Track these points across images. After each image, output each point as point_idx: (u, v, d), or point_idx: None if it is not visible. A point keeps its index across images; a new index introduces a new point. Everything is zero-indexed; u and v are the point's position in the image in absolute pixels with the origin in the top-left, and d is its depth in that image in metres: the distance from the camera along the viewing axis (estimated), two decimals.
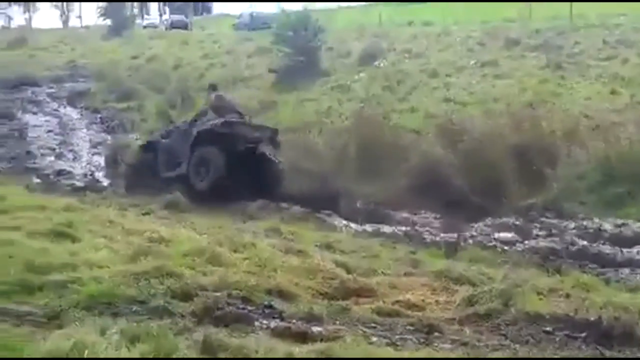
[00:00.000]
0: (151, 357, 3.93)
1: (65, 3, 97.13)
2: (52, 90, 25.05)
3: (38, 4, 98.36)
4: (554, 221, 10.23)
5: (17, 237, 6.76)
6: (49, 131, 19.59)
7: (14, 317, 4.65)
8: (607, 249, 8.93)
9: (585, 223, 10.09)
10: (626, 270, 8.14)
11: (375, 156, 13.32)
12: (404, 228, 10.35)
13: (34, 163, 16.12)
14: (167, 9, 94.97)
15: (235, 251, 6.94)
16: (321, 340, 4.59)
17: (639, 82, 16.48)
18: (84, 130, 19.59)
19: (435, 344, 4.79)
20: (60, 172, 15.23)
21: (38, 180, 14.08)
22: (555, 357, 4.70)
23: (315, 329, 4.84)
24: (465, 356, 4.58)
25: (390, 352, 4.52)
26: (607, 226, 9.83)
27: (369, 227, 10.47)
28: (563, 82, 17.53)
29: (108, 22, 43.44)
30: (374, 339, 4.79)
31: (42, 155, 17.06)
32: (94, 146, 18.08)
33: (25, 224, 7.48)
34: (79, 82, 25.91)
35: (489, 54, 21.78)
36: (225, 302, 5.16)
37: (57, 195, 11.48)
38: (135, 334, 4.23)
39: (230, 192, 12.04)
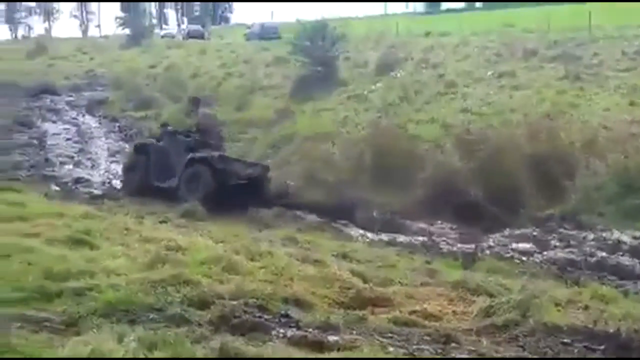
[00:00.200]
0: None
1: (84, 13, 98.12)
2: (71, 98, 25.26)
3: (57, 13, 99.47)
4: (572, 232, 10.16)
5: (36, 244, 6.81)
6: (68, 139, 19.69)
7: (32, 324, 4.67)
8: (626, 260, 8.87)
9: (603, 234, 10.03)
10: None
11: (391, 166, 13.31)
12: (420, 238, 10.33)
13: (53, 171, 16.18)
14: (185, 19, 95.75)
15: (251, 260, 6.94)
16: (338, 349, 4.59)
17: None
18: (102, 139, 19.68)
19: (453, 355, 4.76)
20: (78, 180, 15.26)
21: (56, 188, 14.12)
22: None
23: (332, 338, 4.82)
24: None
25: None
26: (626, 238, 9.76)
27: (385, 237, 10.45)
28: (581, 93, 17.43)
29: (127, 31, 43.88)
30: (391, 349, 4.77)
31: (61, 163, 17.13)
32: (112, 154, 18.15)
33: (44, 231, 7.53)
34: (97, 91, 26.13)
35: (506, 65, 21.73)
36: (242, 310, 5.16)
37: (75, 202, 11.53)
38: (153, 342, 4.24)
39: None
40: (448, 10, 52.06)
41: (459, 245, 9.90)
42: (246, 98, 22.15)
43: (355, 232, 10.94)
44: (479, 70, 21.80)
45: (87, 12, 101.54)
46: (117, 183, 15.02)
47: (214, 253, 6.91)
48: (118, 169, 15.56)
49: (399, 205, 11.97)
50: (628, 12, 26.73)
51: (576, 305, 6.22)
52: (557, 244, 9.75)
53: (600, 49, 22.24)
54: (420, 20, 44.49)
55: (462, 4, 50.32)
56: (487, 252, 9.41)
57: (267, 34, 43.29)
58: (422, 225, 11.05)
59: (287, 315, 5.29)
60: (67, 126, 21.29)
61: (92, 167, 17.06)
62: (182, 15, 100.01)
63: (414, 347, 4.88)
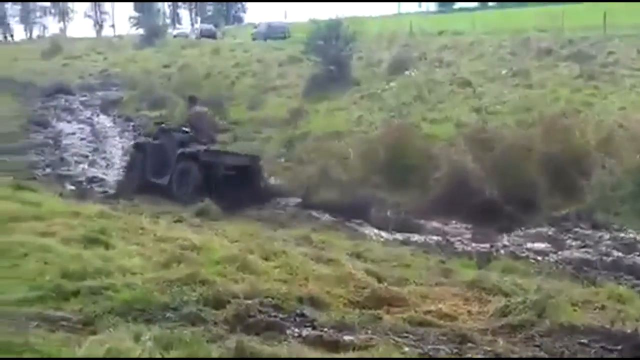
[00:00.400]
0: None
1: (98, 13, 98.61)
2: (86, 98, 25.42)
3: (72, 13, 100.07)
4: (588, 232, 10.09)
5: (52, 243, 6.84)
6: (83, 139, 19.82)
7: (49, 323, 4.70)
8: None
9: (619, 234, 9.95)
10: None
11: (405, 165, 13.30)
12: (435, 237, 10.29)
13: (68, 170, 16.29)
14: (198, 19, 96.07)
15: (266, 259, 6.94)
16: (353, 349, 4.58)
17: None
18: (117, 138, 19.79)
19: (469, 355, 4.75)
20: (93, 180, 15.38)
21: (72, 187, 14.22)
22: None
23: (347, 337, 4.82)
24: None
25: None
26: None
27: (399, 236, 10.41)
28: (596, 92, 17.35)
29: (141, 31, 44.07)
30: (406, 348, 4.76)
31: (76, 162, 17.25)
32: (126, 154, 18.23)
33: (60, 230, 7.56)
34: (111, 91, 26.26)
35: (520, 64, 21.66)
36: (257, 310, 5.16)
37: (90, 202, 11.58)
38: (169, 341, 4.26)
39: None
40: (461, 9, 51.93)
41: (473, 244, 9.85)
42: (260, 97, 22.19)
43: (370, 231, 10.92)
44: (493, 69, 21.75)
45: (101, 12, 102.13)
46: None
47: (229, 252, 6.93)
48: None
49: (413, 205, 11.94)
50: None
51: (593, 305, 6.17)
52: (573, 243, 9.68)
53: (615, 47, 22.14)
54: (434, 20, 44.44)
55: (475, 4, 50.16)
56: (502, 251, 9.36)
57: (273, 33, 43.75)
58: (437, 224, 11.00)
59: (302, 315, 5.29)
60: (81, 126, 21.43)
61: (107, 166, 17.15)
62: (196, 15, 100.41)
63: (430, 347, 4.86)
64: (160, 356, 4.03)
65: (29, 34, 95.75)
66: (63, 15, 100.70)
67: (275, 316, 5.14)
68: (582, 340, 5.09)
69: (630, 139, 12.59)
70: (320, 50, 23.25)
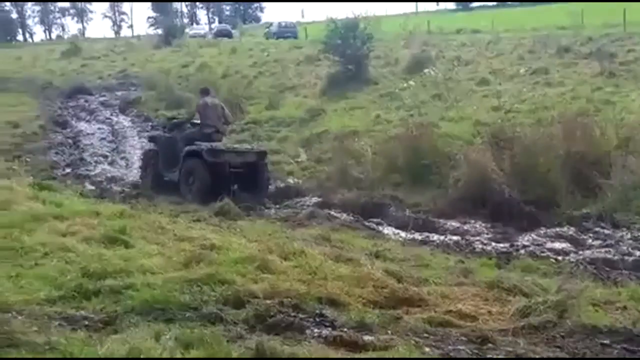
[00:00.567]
0: None
1: (117, 13, 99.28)
2: (105, 98, 25.54)
3: (91, 14, 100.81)
4: (609, 231, 9.98)
5: (73, 243, 6.90)
6: (102, 139, 19.93)
7: (71, 322, 4.74)
8: None
9: None
10: None
11: (424, 164, 13.25)
12: (454, 237, 10.23)
13: (88, 170, 16.41)
14: (215, 18, 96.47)
15: (285, 259, 6.95)
16: (373, 349, 4.58)
17: None
18: (136, 138, 19.86)
19: (489, 356, 4.73)
20: (112, 179, 15.48)
21: (91, 187, 14.32)
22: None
23: (367, 338, 4.82)
24: None
25: None
26: None
27: (418, 236, 10.38)
28: (617, 90, 17.20)
29: (159, 31, 44.28)
30: (427, 349, 4.75)
31: (95, 162, 17.37)
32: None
33: (80, 229, 7.62)
34: (130, 91, 26.36)
35: (540, 62, 21.55)
36: (277, 310, 5.18)
37: (109, 201, 11.66)
38: (189, 340, 4.29)
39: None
40: (480, 7, 51.68)
41: (493, 244, 9.78)
42: (278, 97, 22.21)
43: (389, 230, 10.89)
44: (512, 67, 21.66)
45: (119, 13, 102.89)
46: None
47: (248, 252, 6.95)
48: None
49: (432, 204, 11.90)
50: None
51: (614, 305, 6.13)
52: (594, 243, 9.58)
53: (636, 45, 21.96)
54: (452, 18, 44.30)
55: (493, 2, 49.90)
56: (522, 251, 9.29)
57: (284, 32, 44.55)
58: (456, 224, 10.94)
59: (321, 315, 5.29)
60: (101, 126, 21.54)
61: (126, 166, 17.24)
62: (213, 14, 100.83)
63: (450, 347, 4.85)
64: (180, 355, 4.05)
65: (48, 35, 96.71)
66: (82, 16, 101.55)
67: (294, 316, 5.15)
68: (604, 341, 5.07)
69: None
70: (338, 50, 23.24)
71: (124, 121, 22.26)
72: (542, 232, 10.20)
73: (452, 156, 13.08)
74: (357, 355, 4.46)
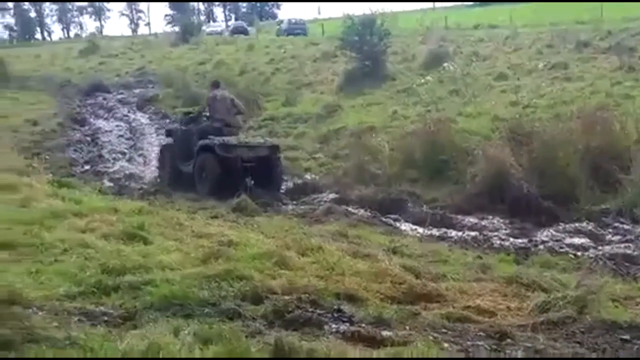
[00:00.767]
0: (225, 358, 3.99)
1: (134, 11, 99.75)
2: (122, 96, 25.66)
3: (108, 12, 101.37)
4: (629, 227, 9.90)
5: (92, 239, 6.95)
6: (120, 136, 20.03)
7: (91, 317, 4.77)
8: None
9: None
10: None
11: (441, 160, 13.22)
12: (472, 233, 10.18)
13: (106, 167, 16.51)
14: (232, 16, 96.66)
15: (302, 255, 6.95)
16: (391, 345, 4.57)
17: None
18: (154, 135, 19.95)
19: (508, 351, 4.71)
20: (130, 176, 15.56)
21: (110, 184, 14.41)
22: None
23: (385, 333, 4.81)
24: None
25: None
26: None
27: (436, 232, 10.33)
28: (636, 85, 17.03)
29: (176, 29, 44.39)
30: (445, 344, 4.74)
31: (114, 159, 17.47)
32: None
33: (99, 226, 7.67)
34: (148, 88, 26.46)
35: (558, 57, 21.40)
36: (295, 305, 5.19)
37: (128, 198, 11.73)
38: (208, 336, 4.31)
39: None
40: (497, 2, 51.34)
41: (511, 240, 9.72)
42: (295, 93, 22.23)
43: (406, 226, 10.86)
44: (530, 62, 21.53)
45: (136, 11, 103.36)
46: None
47: (266, 248, 6.97)
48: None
49: (449, 200, 11.86)
50: None
51: (634, 301, 6.09)
52: (613, 238, 9.50)
53: None
54: (470, 13, 44.06)
55: None
56: (541, 246, 9.24)
57: (294, 30, 45.04)
58: (474, 219, 10.88)
59: (339, 310, 5.30)
60: (118, 123, 21.65)
61: (144, 163, 17.32)
62: (230, 12, 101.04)
63: (469, 343, 4.84)
64: (199, 351, 4.07)
65: (66, 33, 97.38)
66: (99, 15, 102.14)
67: (312, 312, 5.16)
68: (624, 337, 5.03)
69: None
70: (355, 46, 23.20)
71: (142, 118, 22.36)
72: (560, 227, 10.13)
73: (470, 151, 13.04)
74: (375, 351, 4.45)
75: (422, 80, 19.92)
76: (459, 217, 11.09)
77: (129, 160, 17.52)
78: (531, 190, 11.13)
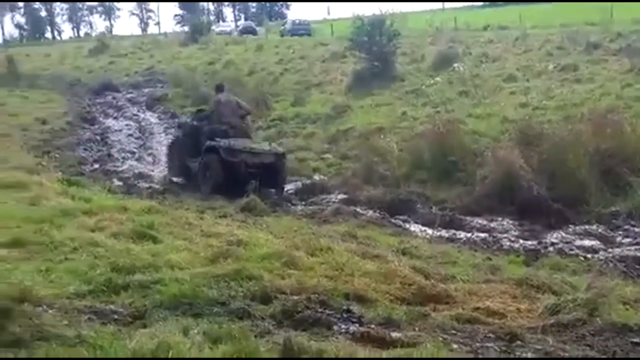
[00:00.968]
0: (234, 358, 3.99)
1: (144, 11, 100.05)
2: (132, 95, 25.75)
3: (118, 12, 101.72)
4: (639, 229, 9.87)
5: (102, 238, 6.96)
6: (129, 135, 20.10)
7: (101, 316, 4.78)
8: None
9: None
10: None
11: (450, 161, 13.20)
12: (481, 234, 10.16)
13: (115, 166, 16.55)
14: (241, 16, 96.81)
15: (312, 255, 6.94)
16: (401, 346, 4.56)
17: None
18: (162, 135, 20.00)
19: (518, 353, 4.69)
20: (139, 175, 15.58)
21: (119, 183, 14.43)
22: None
23: (395, 334, 4.80)
24: None
25: None
26: None
27: (445, 233, 10.32)
28: None
29: (185, 29, 44.47)
30: (454, 346, 4.72)
31: (123, 158, 17.52)
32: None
33: (109, 225, 7.68)
34: (157, 88, 26.54)
35: (568, 58, 21.32)
36: (304, 305, 5.18)
37: (137, 197, 11.75)
38: (217, 335, 4.30)
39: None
40: (507, 3, 51.21)
41: (521, 241, 9.71)
42: (303, 93, 22.23)
43: (415, 228, 10.85)
44: (540, 63, 21.44)
45: (146, 11, 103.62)
46: (177, 179, 15.25)
47: (275, 248, 6.96)
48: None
49: (458, 201, 11.85)
50: None
51: None
52: (624, 241, 9.47)
53: None
54: (479, 14, 43.97)
55: None
56: (551, 249, 9.21)
57: (297, 30, 45.35)
58: (483, 221, 10.86)
59: (348, 311, 5.29)
60: (128, 122, 21.73)
61: (153, 162, 17.35)
62: (239, 11, 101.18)
63: (478, 344, 4.82)
64: (208, 350, 4.07)
65: (76, 33, 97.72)
66: (109, 14, 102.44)
67: (322, 312, 5.15)
68: (635, 340, 5.00)
69: None
70: (364, 46, 23.19)
71: (151, 118, 22.44)
72: (570, 229, 10.10)
73: (479, 153, 13.01)
74: (384, 352, 4.44)
75: (432, 81, 19.90)
76: (468, 218, 11.07)
77: (138, 160, 17.56)
78: (541, 192, 11.09)
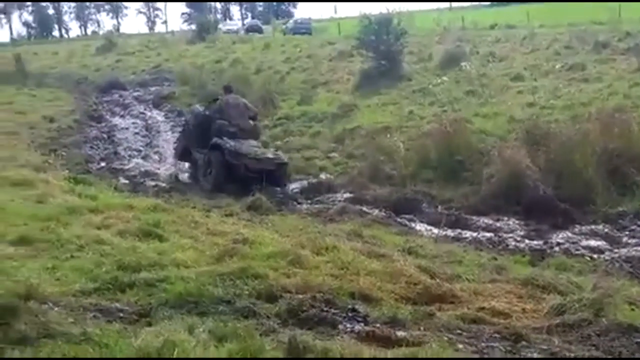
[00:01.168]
0: (239, 357, 4.00)
1: (151, 9, 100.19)
2: (139, 93, 25.76)
3: (126, 10, 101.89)
4: None
5: (108, 236, 6.99)
6: (136, 133, 20.10)
7: (107, 314, 4.80)
8: None
9: None
10: None
11: (457, 161, 13.17)
12: (487, 234, 10.14)
13: (122, 164, 16.55)
14: (248, 14, 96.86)
15: (317, 254, 6.96)
16: (406, 345, 4.56)
17: None
18: (169, 133, 19.99)
19: (523, 353, 4.68)
20: (146, 173, 15.58)
21: (125, 181, 14.44)
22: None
23: (400, 333, 4.80)
24: None
25: None
26: None
27: (451, 233, 10.29)
28: None
29: (192, 27, 44.51)
30: (460, 345, 4.72)
31: (129, 156, 17.53)
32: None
33: (115, 223, 7.71)
34: (164, 86, 26.54)
35: (576, 58, 21.25)
36: (310, 304, 5.19)
37: (143, 195, 11.77)
38: (223, 333, 4.31)
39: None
40: (515, 1, 51.06)
41: (526, 241, 9.68)
42: (310, 92, 22.21)
43: (421, 227, 10.83)
44: (548, 63, 21.37)
45: (153, 9, 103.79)
46: (184, 177, 15.27)
47: (280, 247, 6.98)
48: (185, 162, 15.85)
49: (464, 201, 11.81)
50: None
51: None
52: (630, 241, 9.42)
53: None
54: (487, 13, 43.89)
55: None
56: (556, 249, 9.18)
57: (299, 29, 45.64)
58: (489, 221, 10.82)
59: (354, 310, 5.29)
60: (135, 120, 21.72)
61: (160, 160, 17.37)
62: (246, 10, 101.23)
63: (483, 344, 4.82)
64: (214, 348, 4.08)
65: (83, 31, 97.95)
66: (116, 12, 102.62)
67: (327, 311, 5.16)
68: None
69: None
70: (371, 45, 23.16)
71: (158, 116, 22.43)
72: (577, 229, 10.06)
73: (486, 152, 12.97)
74: (389, 351, 4.44)
75: (439, 80, 19.85)
76: (474, 218, 11.04)
77: (145, 158, 17.56)
78: (547, 192, 11.07)
